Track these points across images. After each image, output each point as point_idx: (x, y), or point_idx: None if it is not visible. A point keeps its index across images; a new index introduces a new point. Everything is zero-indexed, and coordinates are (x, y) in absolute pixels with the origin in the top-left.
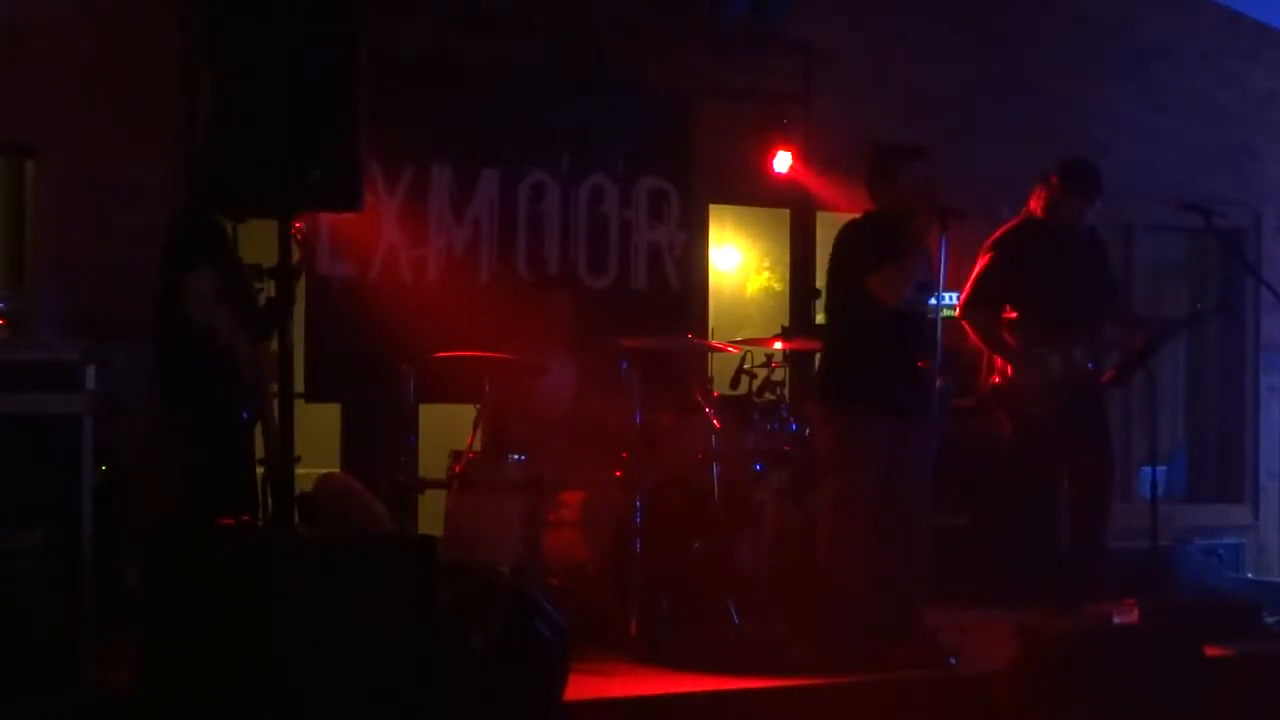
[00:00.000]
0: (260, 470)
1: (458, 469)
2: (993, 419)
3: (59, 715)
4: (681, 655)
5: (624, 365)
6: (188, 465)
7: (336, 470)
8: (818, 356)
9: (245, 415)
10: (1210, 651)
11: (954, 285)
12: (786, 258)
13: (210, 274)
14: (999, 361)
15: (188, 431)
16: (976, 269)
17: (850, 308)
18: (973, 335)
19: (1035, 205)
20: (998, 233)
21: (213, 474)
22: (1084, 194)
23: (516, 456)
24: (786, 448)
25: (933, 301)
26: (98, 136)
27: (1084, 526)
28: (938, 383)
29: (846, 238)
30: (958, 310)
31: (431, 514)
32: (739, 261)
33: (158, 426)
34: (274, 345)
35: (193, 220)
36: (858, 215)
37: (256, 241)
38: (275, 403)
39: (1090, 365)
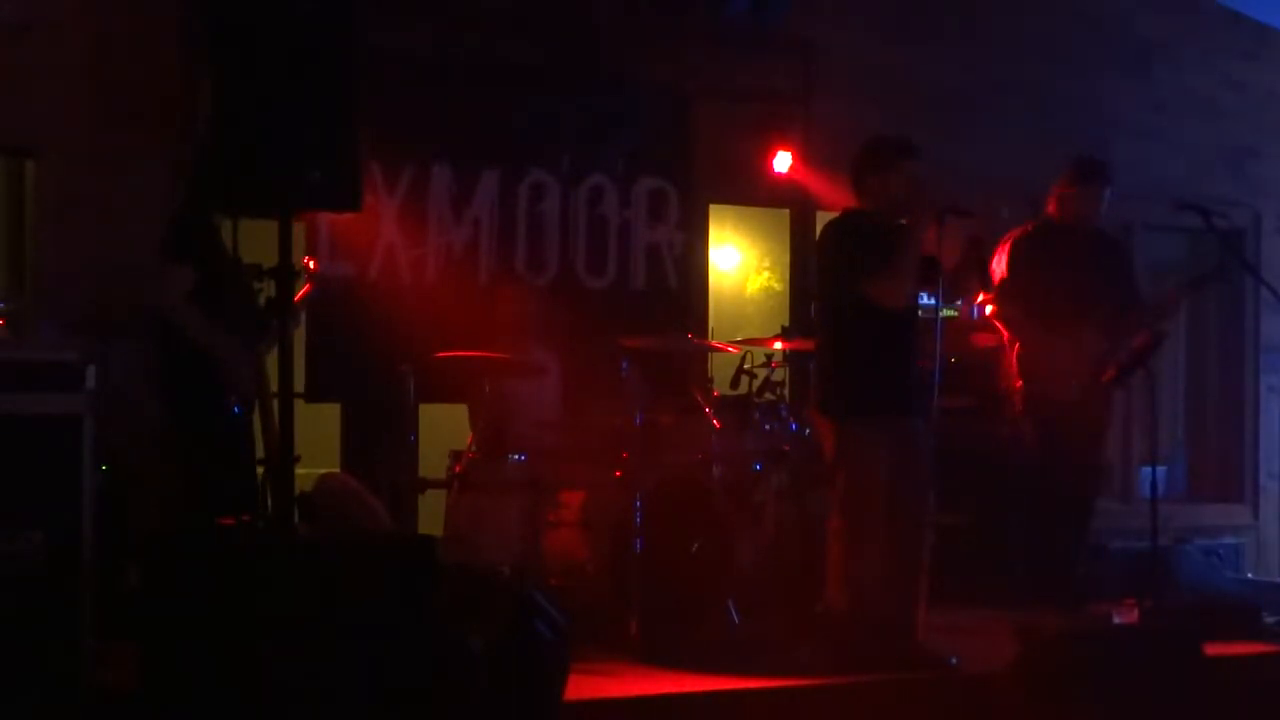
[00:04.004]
0: (260, 470)
1: (458, 469)
2: (1013, 422)
3: (59, 715)
4: (681, 655)
5: (624, 365)
6: (187, 465)
7: (336, 470)
8: (815, 362)
9: (236, 411)
10: (1210, 651)
11: (952, 284)
12: (786, 258)
13: (186, 272)
14: (1015, 364)
15: (185, 431)
16: (998, 266)
17: (848, 312)
18: (1005, 331)
19: (1051, 207)
20: (1014, 232)
21: (210, 473)
22: (1092, 180)
23: (516, 456)
24: (786, 448)
25: (931, 301)
26: (98, 136)
27: (1070, 520)
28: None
29: (833, 239)
30: (990, 309)
31: (431, 514)
32: (739, 261)
33: (158, 426)
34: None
35: (179, 219)
36: (844, 212)
37: (258, 241)
38: (275, 403)
39: (1106, 349)
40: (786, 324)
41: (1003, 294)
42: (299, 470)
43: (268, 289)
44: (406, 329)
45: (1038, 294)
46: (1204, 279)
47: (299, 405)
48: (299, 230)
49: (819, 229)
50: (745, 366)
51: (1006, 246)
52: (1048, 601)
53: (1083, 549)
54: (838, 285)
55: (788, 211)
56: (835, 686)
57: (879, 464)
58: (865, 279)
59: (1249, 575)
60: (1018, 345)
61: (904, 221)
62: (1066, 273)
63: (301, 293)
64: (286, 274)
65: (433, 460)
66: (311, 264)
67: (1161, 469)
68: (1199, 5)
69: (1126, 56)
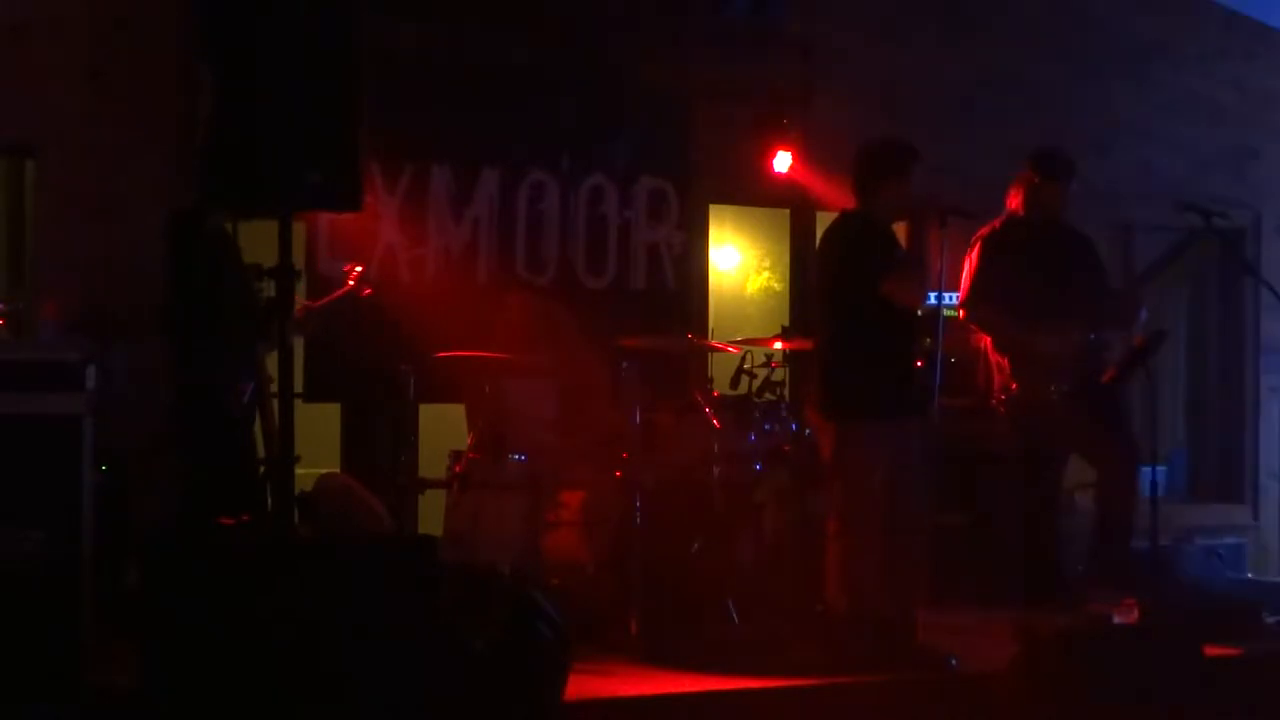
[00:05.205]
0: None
1: (458, 469)
2: (996, 419)
3: (59, 716)
4: (681, 655)
5: (624, 365)
6: (188, 465)
7: (336, 470)
8: (814, 363)
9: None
10: (1210, 651)
11: (953, 285)
12: (786, 258)
13: None
14: (1000, 361)
15: (188, 429)
16: (968, 268)
17: (856, 312)
18: (981, 332)
19: (1014, 204)
20: (981, 231)
21: (210, 472)
22: (1058, 175)
23: (516, 456)
24: (786, 448)
25: (932, 300)
26: (98, 136)
27: (1112, 513)
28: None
29: (842, 241)
30: (960, 311)
31: (431, 514)
32: (739, 261)
33: (158, 426)
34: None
35: (179, 218)
36: (844, 214)
37: (259, 241)
38: (275, 403)
39: (1092, 336)
40: (786, 324)
41: (974, 295)
42: (299, 470)
43: (268, 289)
44: (406, 329)
45: (1012, 292)
46: (1154, 268)
47: (299, 405)
48: (299, 230)
49: (819, 229)
50: (745, 366)
51: (976, 248)
52: (1048, 601)
53: (1122, 536)
54: (848, 286)
55: (788, 211)
56: (835, 686)
57: (877, 466)
58: (886, 279)
59: (1249, 575)
60: (1002, 346)
61: (906, 223)
62: (1038, 269)
63: (334, 295)
64: (286, 274)
65: (433, 460)
66: (358, 269)
67: (1161, 469)
68: (1199, 5)
69: (1126, 56)
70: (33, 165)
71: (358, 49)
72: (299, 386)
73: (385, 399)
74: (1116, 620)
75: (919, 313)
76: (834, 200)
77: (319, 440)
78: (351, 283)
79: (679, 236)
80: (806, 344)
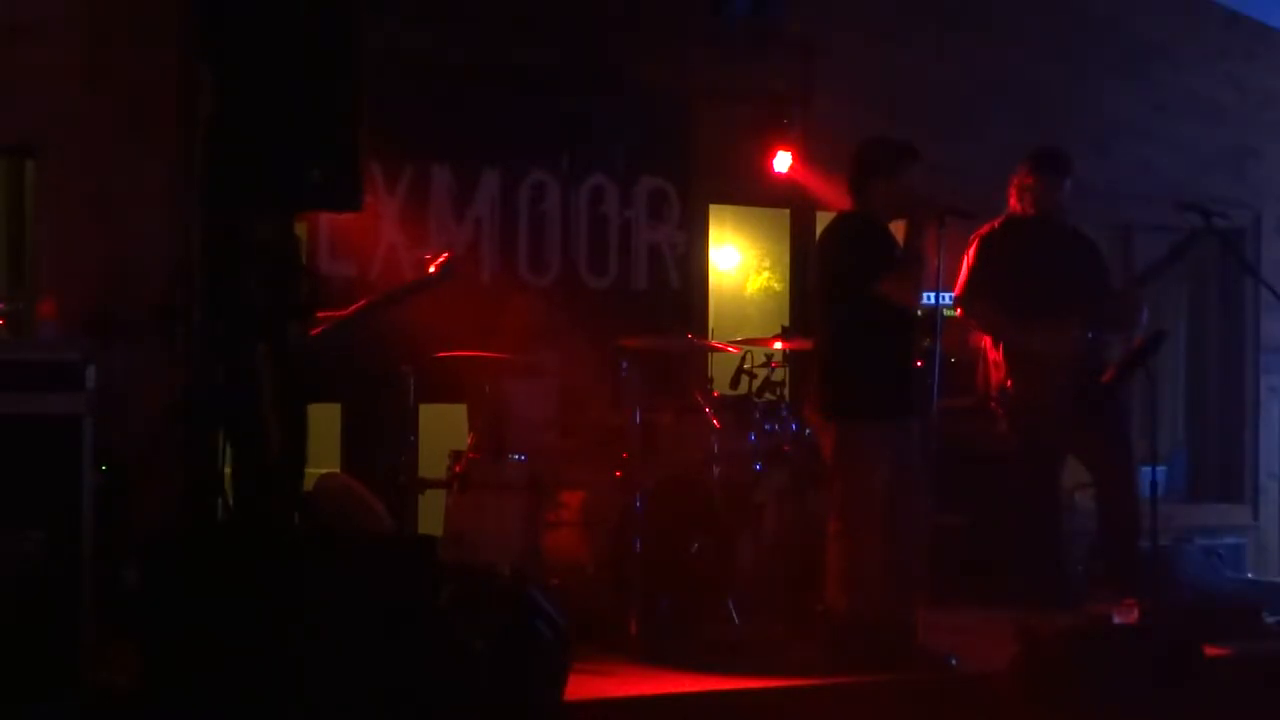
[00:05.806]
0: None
1: (458, 469)
2: (995, 419)
3: (59, 715)
4: (681, 655)
5: (624, 365)
6: (190, 466)
7: (336, 470)
8: (814, 363)
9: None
10: (1210, 651)
11: (950, 285)
12: (786, 258)
13: None
14: (997, 358)
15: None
16: (965, 265)
17: (853, 313)
18: (978, 329)
19: (1013, 202)
20: (981, 229)
21: (212, 472)
22: (1053, 171)
23: (516, 456)
24: (786, 448)
25: (930, 300)
26: (98, 136)
27: (1114, 517)
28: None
29: (840, 241)
30: (955, 308)
31: (431, 514)
32: (739, 261)
33: (158, 426)
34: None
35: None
36: (841, 215)
37: None
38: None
39: (1090, 336)
40: (786, 324)
41: (969, 291)
42: None
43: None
44: (406, 329)
45: (1007, 289)
46: (1157, 268)
47: None
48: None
49: (819, 229)
50: (745, 366)
51: (974, 245)
52: (1048, 601)
53: (1128, 538)
54: (846, 286)
55: (788, 211)
56: (835, 686)
57: (878, 466)
58: (883, 279)
59: (1249, 575)
60: (999, 344)
61: (903, 223)
62: (1036, 267)
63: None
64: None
65: (433, 460)
66: (442, 256)
67: (1161, 469)
68: (1199, 5)
69: (1126, 56)
70: (33, 165)
71: (358, 49)
72: None
73: (385, 399)
74: (1116, 620)
75: (918, 313)
76: (834, 200)
77: (319, 440)
78: (432, 270)
79: (680, 236)
80: (806, 344)
